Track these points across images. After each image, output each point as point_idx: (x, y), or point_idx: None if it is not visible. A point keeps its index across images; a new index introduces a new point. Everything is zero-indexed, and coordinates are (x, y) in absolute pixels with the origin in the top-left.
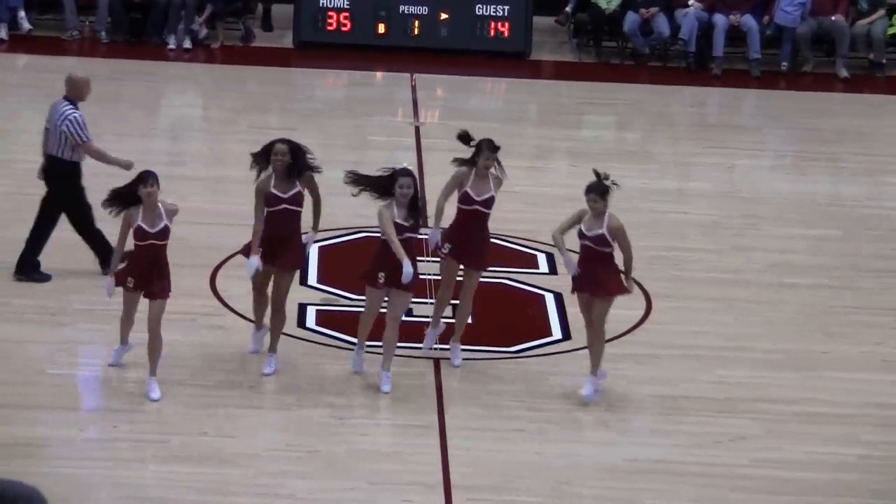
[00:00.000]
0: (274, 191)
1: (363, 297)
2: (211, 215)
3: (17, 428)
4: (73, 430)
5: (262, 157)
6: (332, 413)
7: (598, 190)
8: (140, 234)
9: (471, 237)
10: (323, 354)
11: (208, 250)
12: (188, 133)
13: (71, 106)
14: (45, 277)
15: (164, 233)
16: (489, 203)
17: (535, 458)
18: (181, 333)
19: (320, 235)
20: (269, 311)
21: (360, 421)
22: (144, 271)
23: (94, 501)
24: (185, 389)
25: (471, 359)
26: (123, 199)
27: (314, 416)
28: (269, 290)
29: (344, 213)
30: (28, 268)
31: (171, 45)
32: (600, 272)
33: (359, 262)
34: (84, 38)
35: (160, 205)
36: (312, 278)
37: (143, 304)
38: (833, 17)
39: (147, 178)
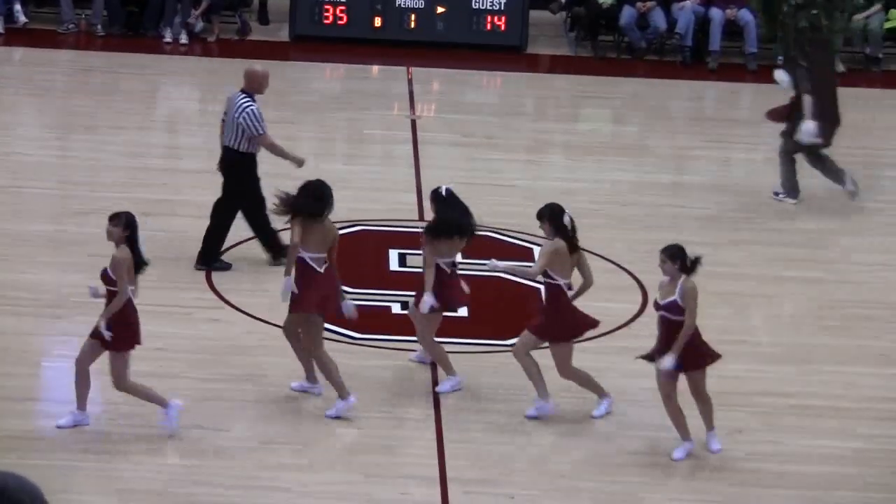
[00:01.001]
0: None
1: (359, 291)
2: (207, 209)
3: (13, 420)
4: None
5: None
6: (329, 406)
7: (669, 251)
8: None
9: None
10: None
11: None
12: (184, 126)
13: (248, 98)
14: (226, 266)
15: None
16: None
17: (532, 452)
18: (177, 326)
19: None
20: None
21: (355, 414)
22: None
23: (89, 494)
24: (180, 382)
25: (467, 352)
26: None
27: (310, 409)
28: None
29: (340, 206)
30: (210, 258)
31: (168, 39)
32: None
33: (355, 256)
34: (80, 32)
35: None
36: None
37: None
38: None
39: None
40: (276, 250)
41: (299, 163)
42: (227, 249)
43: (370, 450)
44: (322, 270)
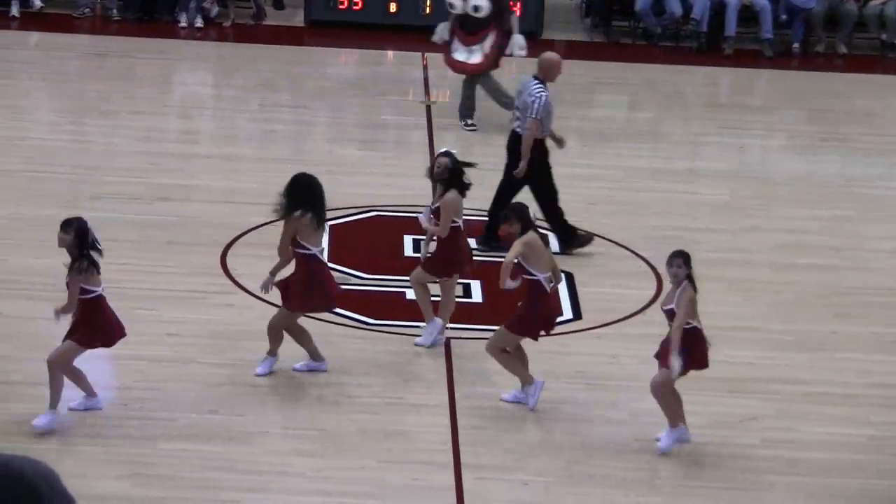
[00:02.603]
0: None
1: (373, 276)
2: (222, 193)
3: (27, 405)
4: (82, 406)
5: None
6: (342, 391)
7: (685, 257)
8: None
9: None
10: (333, 333)
11: (219, 228)
12: (199, 111)
13: (540, 85)
14: (588, 239)
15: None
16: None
17: (545, 438)
18: (191, 311)
19: (330, 214)
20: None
21: (369, 399)
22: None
23: (103, 479)
24: (194, 367)
25: (482, 338)
26: None
27: (324, 394)
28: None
29: (354, 191)
30: (569, 239)
31: (183, 23)
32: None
33: (369, 242)
34: (95, 16)
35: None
36: (323, 257)
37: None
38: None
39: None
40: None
41: (523, 169)
42: (241, 236)
43: (383, 436)
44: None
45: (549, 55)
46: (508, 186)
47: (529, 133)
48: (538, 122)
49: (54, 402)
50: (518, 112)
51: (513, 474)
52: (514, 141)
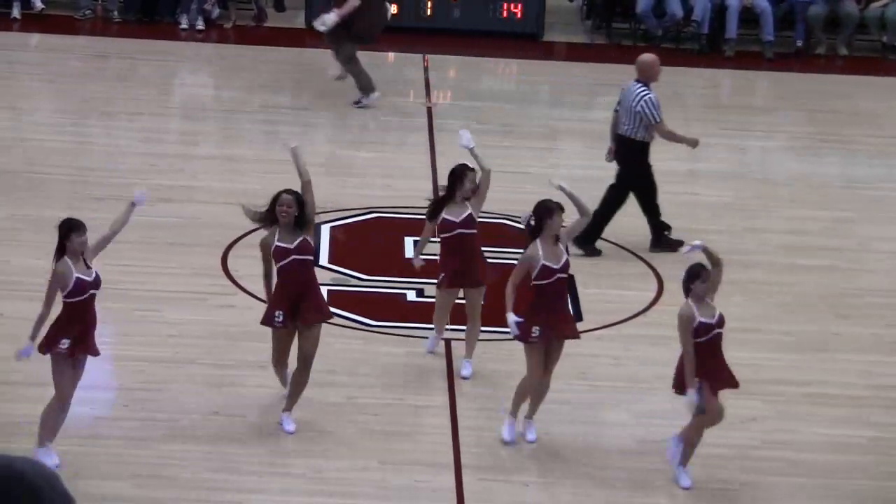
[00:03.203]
0: (280, 244)
1: (374, 278)
2: (222, 194)
3: (27, 406)
4: (84, 408)
5: (270, 215)
6: (343, 393)
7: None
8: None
9: (463, 259)
10: (334, 334)
11: (219, 229)
12: (200, 113)
13: (644, 87)
14: (595, 252)
15: (99, 280)
16: (470, 222)
17: (546, 440)
18: (192, 312)
19: (331, 216)
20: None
21: (371, 401)
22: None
23: (104, 480)
24: (195, 368)
25: (482, 339)
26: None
27: (325, 395)
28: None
29: (355, 193)
30: (587, 241)
31: (184, 25)
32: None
33: (369, 243)
34: (96, 18)
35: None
36: (324, 258)
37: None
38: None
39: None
40: (658, 235)
41: (694, 144)
42: (242, 237)
43: (385, 437)
44: None
45: (646, 56)
46: (646, 190)
47: (664, 132)
48: (662, 122)
49: None
50: (622, 116)
51: (513, 475)
52: (623, 147)
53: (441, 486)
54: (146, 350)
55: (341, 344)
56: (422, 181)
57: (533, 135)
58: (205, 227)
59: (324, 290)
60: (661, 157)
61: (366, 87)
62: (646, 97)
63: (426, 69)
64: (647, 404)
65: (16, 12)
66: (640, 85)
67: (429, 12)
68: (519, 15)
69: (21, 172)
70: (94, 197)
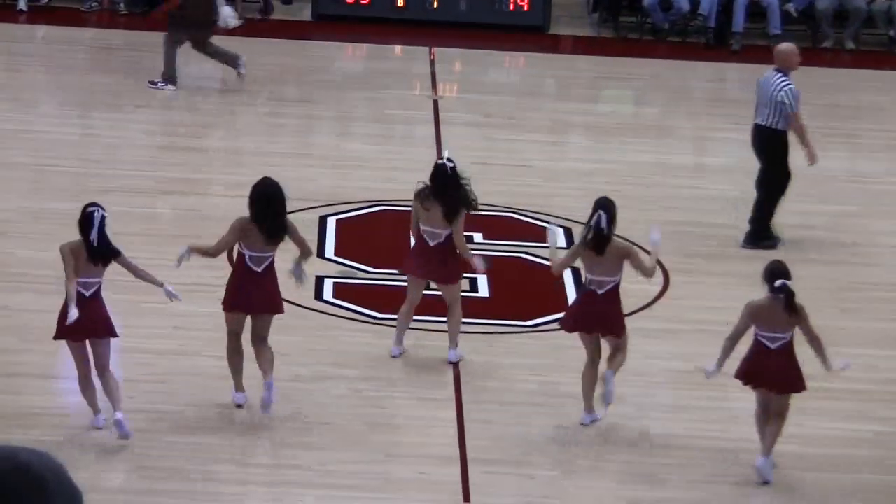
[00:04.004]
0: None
1: (380, 270)
2: (228, 187)
3: (34, 397)
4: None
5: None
6: (348, 385)
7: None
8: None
9: (435, 253)
10: (340, 327)
11: (225, 222)
12: (206, 105)
13: (784, 77)
14: (773, 243)
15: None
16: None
17: (551, 432)
18: (197, 305)
19: (337, 209)
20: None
21: (376, 393)
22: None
23: (110, 471)
24: (200, 360)
25: (488, 333)
26: None
27: (330, 388)
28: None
29: (360, 185)
30: (757, 238)
31: None
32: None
33: (375, 235)
34: (102, 10)
35: None
36: (330, 251)
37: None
38: None
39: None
40: (756, 234)
41: (813, 157)
42: None
43: (390, 429)
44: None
45: (785, 46)
46: (773, 182)
47: (797, 125)
48: (797, 113)
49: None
50: (760, 107)
51: (519, 468)
52: (760, 138)
53: (447, 479)
54: (152, 342)
55: (347, 337)
56: (427, 174)
57: (539, 128)
58: (210, 220)
59: (329, 283)
60: (667, 151)
61: (170, 76)
62: (787, 86)
63: (432, 62)
64: (653, 397)
65: (22, 4)
66: (779, 75)
67: (435, 5)
68: (525, 8)
69: (27, 164)
70: (99, 189)
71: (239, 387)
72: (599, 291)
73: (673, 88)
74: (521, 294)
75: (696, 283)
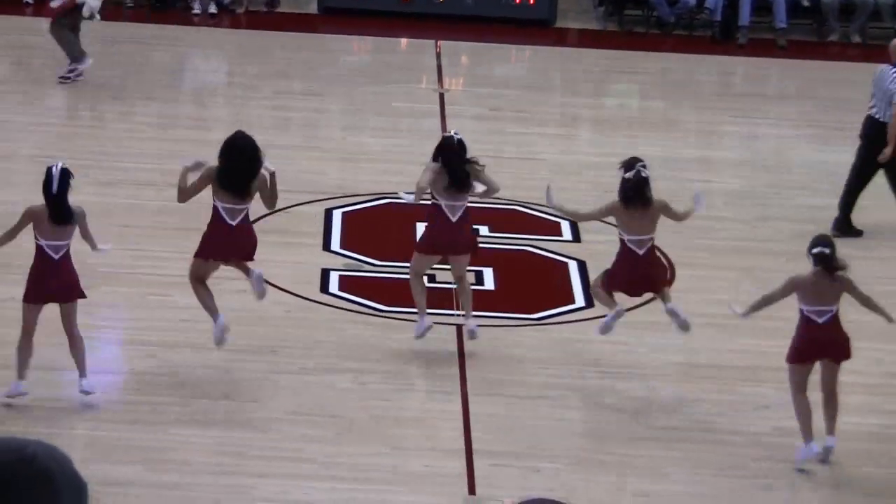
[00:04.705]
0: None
1: (386, 263)
2: None
3: (40, 390)
4: (96, 392)
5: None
6: (354, 378)
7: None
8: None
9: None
10: (345, 320)
11: None
12: (212, 98)
13: None
14: (859, 233)
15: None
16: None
17: (557, 425)
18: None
19: (343, 201)
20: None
21: (381, 386)
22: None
23: (116, 464)
24: (207, 353)
25: (493, 325)
26: None
27: (337, 381)
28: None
29: (367, 179)
30: (845, 227)
31: (196, 11)
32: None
33: (382, 228)
34: (109, 3)
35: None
36: (336, 244)
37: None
38: None
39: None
40: (845, 222)
41: (886, 155)
42: (254, 222)
43: (396, 422)
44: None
45: None
46: (861, 171)
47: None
48: None
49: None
50: (874, 100)
51: (524, 461)
52: (870, 127)
53: (452, 472)
54: (158, 335)
55: (353, 329)
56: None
57: (545, 121)
58: None
59: (335, 276)
60: (673, 145)
61: (76, 55)
62: None
63: (438, 55)
64: (658, 390)
65: None
66: (894, 69)
67: None
68: (531, 1)
69: (33, 157)
70: (106, 181)
71: (215, 311)
72: (640, 252)
73: (679, 82)
74: (527, 287)
75: (701, 276)
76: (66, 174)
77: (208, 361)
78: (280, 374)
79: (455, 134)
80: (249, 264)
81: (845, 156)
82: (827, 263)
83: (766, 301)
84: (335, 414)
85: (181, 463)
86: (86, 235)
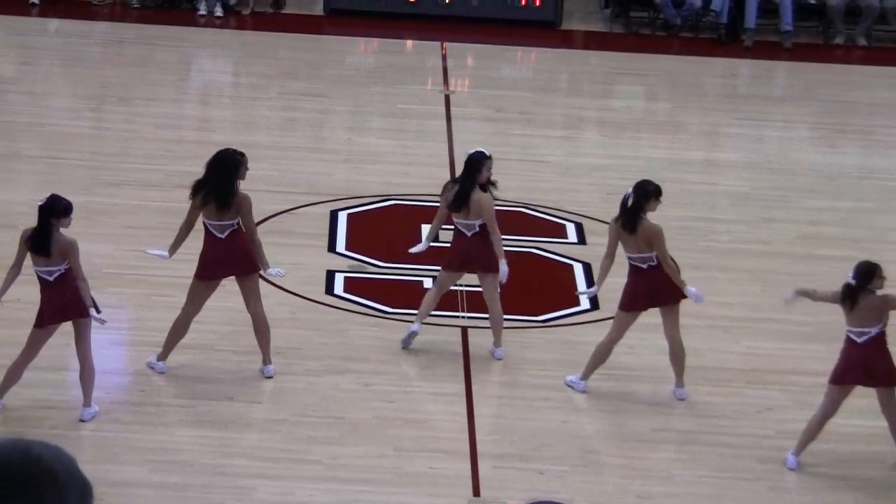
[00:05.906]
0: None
1: (391, 265)
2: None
3: (45, 390)
4: (100, 393)
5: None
6: (359, 380)
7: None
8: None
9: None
10: (350, 321)
11: None
12: (218, 99)
13: None
14: None
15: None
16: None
17: (561, 427)
18: (210, 299)
19: (349, 203)
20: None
21: (386, 388)
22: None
23: (121, 465)
24: (212, 354)
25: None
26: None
27: (341, 382)
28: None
29: (373, 180)
30: None
31: (202, 11)
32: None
33: (387, 230)
34: (115, 3)
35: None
36: (341, 245)
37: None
38: None
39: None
40: None
41: None
42: (260, 223)
43: (400, 424)
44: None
45: None
46: None
47: None
48: None
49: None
50: None
51: (528, 462)
52: None
53: (456, 474)
54: (164, 336)
55: (357, 331)
56: (439, 169)
57: (551, 123)
58: None
59: (340, 277)
60: (679, 147)
61: None
62: None
63: (444, 57)
64: (662, 393)
65: None
66: None
67: (447, 0)
68: (537, 3)
69: (39, 157)
70: (111, 182)
71: (165, 355)
72: (643, 266)
73: (685, 84)
74: (532, 289)
75: (706, 278)
76: (53, 211)
77: (213, 363)
78: (285, 376)
79: (469, 151)
80: (265, 367)
81: (850, 158)
82: (848, 293)
83: (812, 295)
84: (340, 415)
85: (186, 464)
86: (74, 268)
